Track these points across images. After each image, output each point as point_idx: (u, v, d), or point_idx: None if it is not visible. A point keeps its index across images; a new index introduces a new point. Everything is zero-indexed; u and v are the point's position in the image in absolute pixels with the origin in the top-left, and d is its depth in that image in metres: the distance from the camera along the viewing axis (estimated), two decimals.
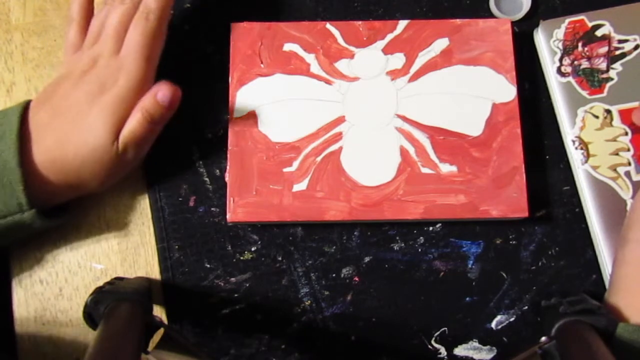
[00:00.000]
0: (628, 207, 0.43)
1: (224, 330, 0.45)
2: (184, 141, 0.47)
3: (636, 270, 0.39)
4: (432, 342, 0.45)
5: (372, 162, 0.44)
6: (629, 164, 0.44)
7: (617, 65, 0.46)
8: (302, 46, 0.47)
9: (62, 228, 0.46)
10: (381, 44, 0.47)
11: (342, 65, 0.46)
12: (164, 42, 0.44)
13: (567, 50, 0.46)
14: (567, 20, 0.46)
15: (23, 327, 0.46)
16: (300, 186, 0.44)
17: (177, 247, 0.46)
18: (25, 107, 0.42)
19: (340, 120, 0.45)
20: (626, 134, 0.45)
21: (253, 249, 0.46)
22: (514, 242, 0.46)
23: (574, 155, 0.45)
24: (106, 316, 0.36)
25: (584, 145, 0.45)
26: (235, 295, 0.45)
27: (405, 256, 0.46)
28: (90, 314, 0.38)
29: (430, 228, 0.46)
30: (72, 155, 0.41)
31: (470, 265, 0.45)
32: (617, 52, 0.46)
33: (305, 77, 0.46)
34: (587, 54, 0.46)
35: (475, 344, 0.45)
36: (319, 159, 0.45)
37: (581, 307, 0.38)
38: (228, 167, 0.45)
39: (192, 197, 0.47)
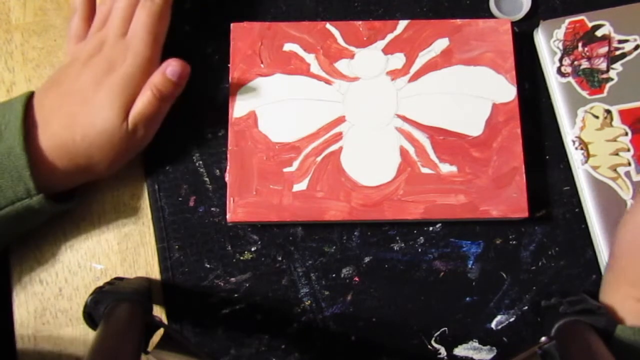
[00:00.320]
0: (628, 207, 0.43)
1: (224, 330, 0.45)
2: (184, 141, 0.47)
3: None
4: (432, 342, 0.45)
5: (372, 162, 0.44)
6: (629, 164, 0.44)
7: (617, 66, 0.46)
8: (302, 46, 0.47)
9: (62, 228, 0.46)
10: (381, 44, 0.47)
11: (342, 65, 0.46)
12: (169, 22, 0.44)
13: (567, 51, 0.46)
14: (567, 20, 0.46)
15: (23, 327, 0.46)
16: (300, 186, 0.44)
17: (177, 247, 0.46)
18: (30, 96, 0.43)
19: (340, 120, 0.45)
20: (626, 134, 0.45)
21: (253, 249, 0.46)
22: (514, 242, 0.46)
23: (574, 156, 0.45)
24: (106, 316, 0.36)
25: (584, 145, 0.45)
26: (235, 295, 0.45)
27: (405, 256, 0.45)
28: (90, 314, 0.38)
29: (430, 228, 0.46)
30: (81, 138, 0.41)
31: (470, 265, 0.45)
32: (617, 52, 0.46)
33: (305, 77, 0.46)
34: (587, 54, 0.46)
35: (475, 344, 0.45)
36: (319, 159, 0.45)
37: (581, 307, 0.38)
38: (228, 167, 0.45)
39: (192, 197, 0.47)
